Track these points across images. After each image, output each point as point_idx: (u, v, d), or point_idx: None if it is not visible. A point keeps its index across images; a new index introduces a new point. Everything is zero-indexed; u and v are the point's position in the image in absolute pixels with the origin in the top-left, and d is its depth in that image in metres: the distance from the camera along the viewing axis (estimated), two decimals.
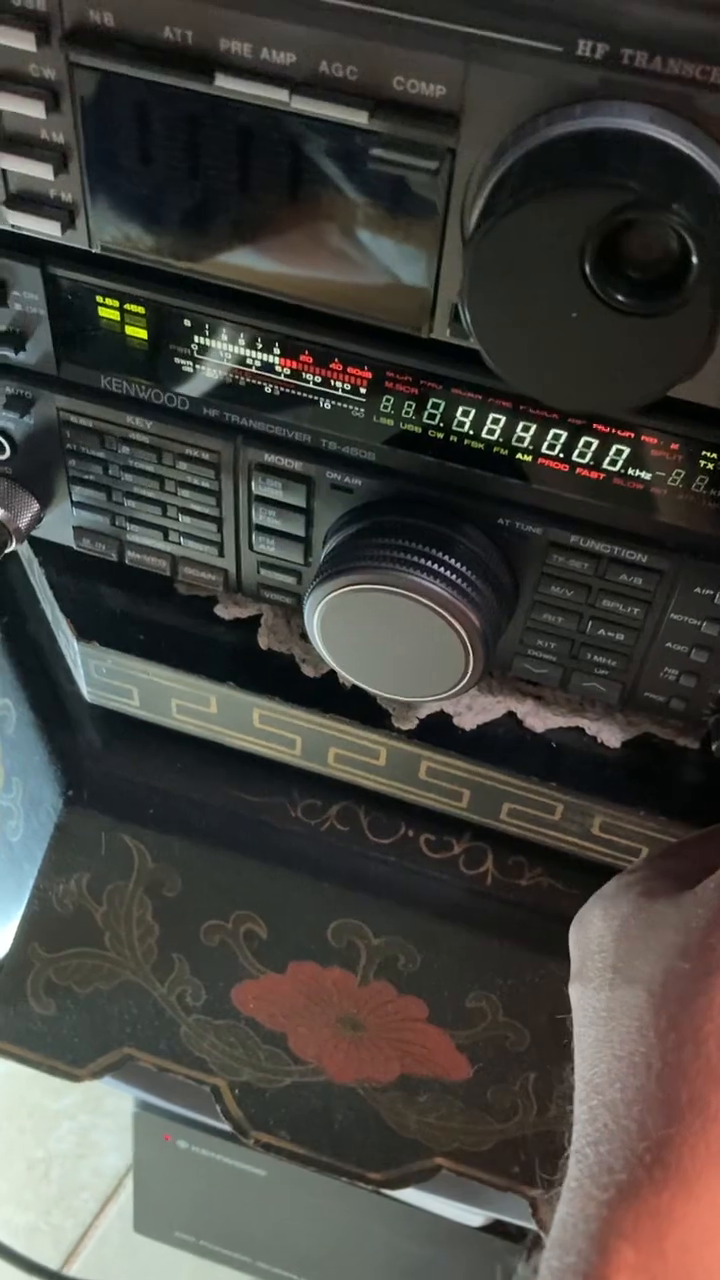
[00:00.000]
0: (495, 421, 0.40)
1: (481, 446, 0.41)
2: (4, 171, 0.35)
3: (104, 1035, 0.64)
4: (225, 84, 0.30)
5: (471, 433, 0.41)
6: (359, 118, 0.30)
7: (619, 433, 0.39)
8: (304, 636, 0.53)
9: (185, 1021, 0.62)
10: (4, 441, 0.47)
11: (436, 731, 0.52)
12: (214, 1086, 0.63)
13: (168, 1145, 0.84)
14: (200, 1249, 0.89)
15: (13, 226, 0.37)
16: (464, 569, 0.42)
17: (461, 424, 0.41)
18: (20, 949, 0.63)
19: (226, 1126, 0.63)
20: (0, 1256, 0.94)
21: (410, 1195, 0.71)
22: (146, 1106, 0.83)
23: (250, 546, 0.47)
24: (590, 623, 0.44)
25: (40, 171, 0.34)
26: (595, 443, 0.40)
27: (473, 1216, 0.81)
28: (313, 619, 0.44)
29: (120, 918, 0.62)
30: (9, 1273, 0.96)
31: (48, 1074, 0.66)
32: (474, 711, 0.51)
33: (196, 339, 0.42)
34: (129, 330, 0.42)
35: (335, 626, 0.44)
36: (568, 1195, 0.29)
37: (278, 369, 0.42)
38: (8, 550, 0.48)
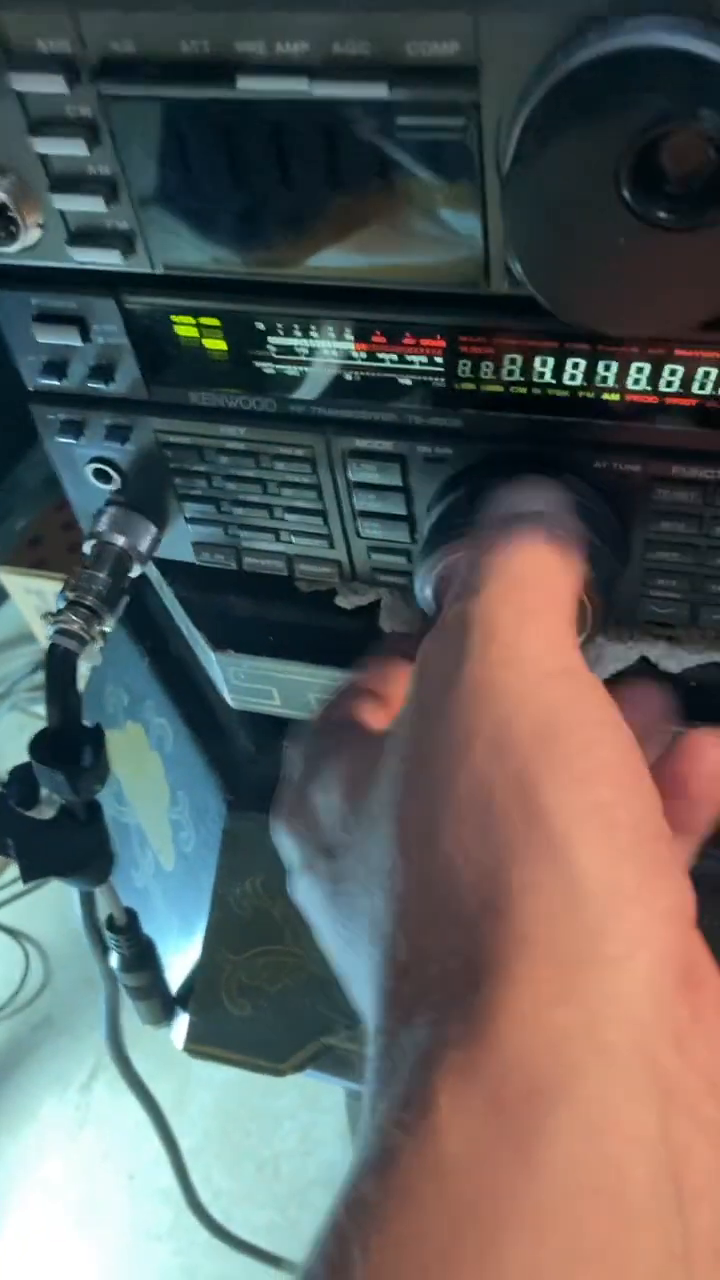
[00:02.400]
0: (575, 366, 0.40)
1: (566, 394, 0.41)
2: (62, 214, 0.37)
3: (300, 1029, 0.66)
4: (247, 85, 0.31)
5: (554, 381, 0.41)
6: (379, 91, 0.30)
7: (703, 354, 0.38)
8: (424, 614, 0.54)
9: None
10: (112, 471, 0.49)
11: None
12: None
13: None
14: None
15: (78, 263, 0.39)
16: (571, 522, 0.42)
17: (541, 374, 0.41)
18: (210, 956, 0.65)
19: None
20: (247, 1253, 0.98)
21: None
22: (356, 1096, 0.84)
23: (357, 534, 0.48)
24: (708, 552, 0.44)
25: (93, 206, 0.36)
26: (681, 369, 0.39)
27: None
28: (424, 593, 0.44)
29: (297, 912, 0.64)
30: (254, 1268, 0.99)
31: (253, 1072, 0.68)
32: (605, 661, 0.50)
33: (271, 340, 0.43)
34: (208, 343, 0.43)
35: None
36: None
37: (353, 354, 0.42)
38: (133, 574, 0.50)
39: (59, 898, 1.64)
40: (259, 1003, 0.66)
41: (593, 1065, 0.23)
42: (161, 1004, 0.67)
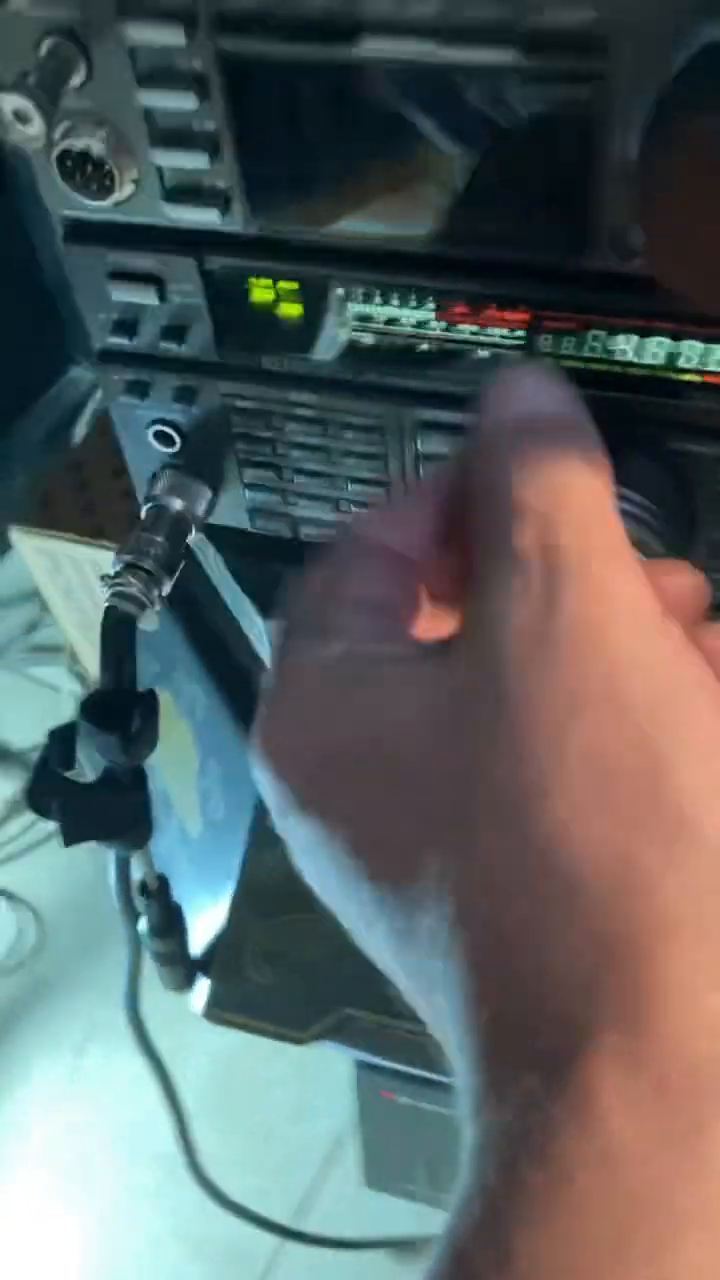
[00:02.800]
0: (659, 345, 0.40)
1: (644, 373, 0.41)
2: (159, 169, 0.37)
3: (322, 997, 0.66)
4: (371, 46, 0.31)
5: (634, 360, 0.41)
6: (508, 57, 0.30)
7: None
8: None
9: None
10: (174, 434, 0.49)
11: None
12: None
13: (390, 1103, 0.86)
14: (432, 1199, 0.91)
15: (170, 221, 0.38)
16: (637, 498, 0.42)
17: (623, 352, 0.41)
18: (235, 922, 0.65)
19: (448, 1079, 0.65)
20: (238, 1215, 0.98)
21: None
22: (365, 1066, 0.85)
23: None
24: None
25: (195, 162, 0.35)
26: None
27: None
28: None
29: None
30: (246, 1231, 1.00)
31: (273, 1039, 0.69)
32: None
33: (350, 307, 0.42)
34: (284, 308, 0.43)
35: None
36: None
37: (432, 325, 0.42)
38: (190, 538, 0.50)
39: (56, 860, 1.64)
40: (282, 970, 0.67)
41: None
42: (185, 970, 0.67)
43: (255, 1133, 1.28)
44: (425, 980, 0.24)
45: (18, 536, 1.10)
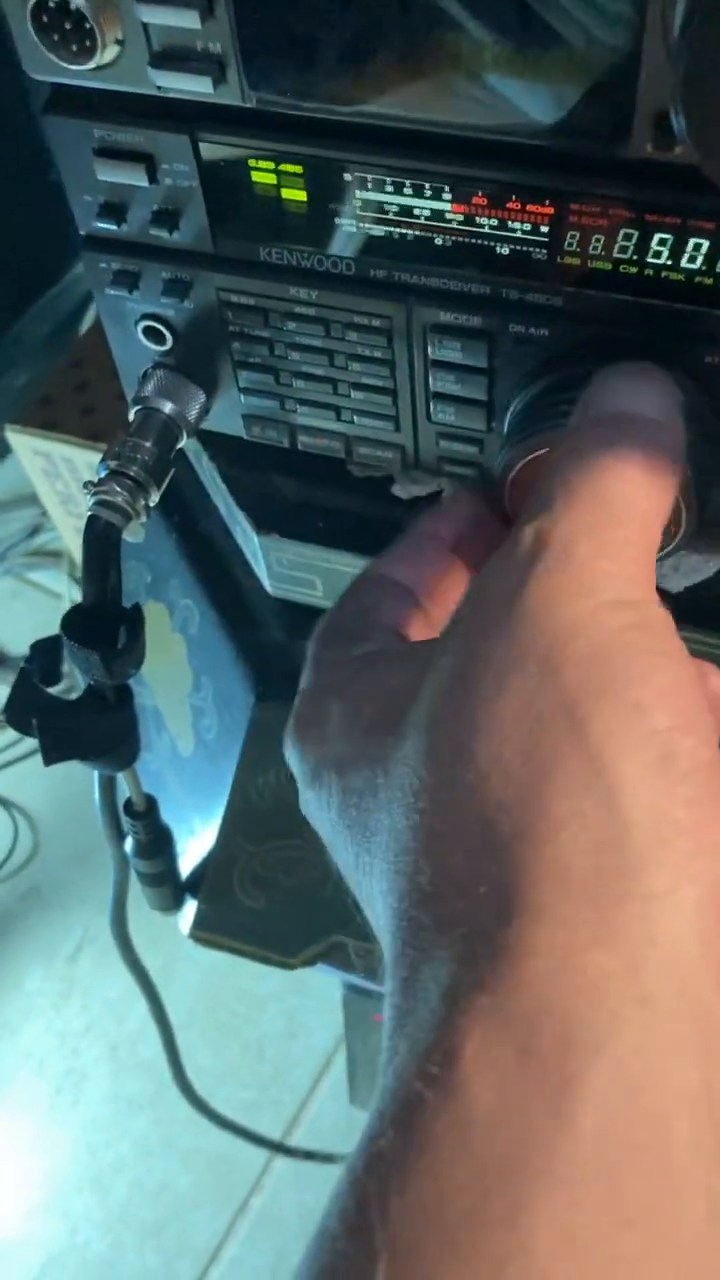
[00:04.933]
0: (697, 248, 0.36)
1: (681, 278, 0.37)
2: (146, 28, 0.33)
3: (313, 924, 0.65)
4: None
5: (670, 263, 0.37)
6: None
7: None
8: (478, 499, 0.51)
9: None
10: (165, 331, 0.45)
11: None
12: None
13: (378, 1026, 0.85)
14: None
15: (159, 90, 0.34)
16: None
17: (658, 254, 0.37)
18: (225, 845, 0.63)
19: None
20: (229, 1130, 0.99)
21: None
22: (354, 990, 0.84)
23: (428, 417, 0.45)
24: None
25: (185, 20, 0.31)
26: None
27: None
28: (505, 488, 0.41)
29: None
30: (236, 1144, 1.01)
31: (261, 964, 0.67)
32: (681, 573, 0.47)
33: (359, 194, 0.38)
34: (286, 193, 0.39)
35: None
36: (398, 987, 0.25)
37: (449, 216, 0.38)
38: (180, 445, 0.47)
39: (52, 768, 1.61)
40: (273, 895, 0.65)
41: (633, 1014, 0.21)
42: (172, 891, 0.65)
43: (249, 1048, 1.29)
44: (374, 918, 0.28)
45: (13, 436, 1.07)
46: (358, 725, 0.30)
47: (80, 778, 0.55)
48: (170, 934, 0.75)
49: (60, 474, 1.08)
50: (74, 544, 1.28)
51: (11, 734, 1.47)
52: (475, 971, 0.22)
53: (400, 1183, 0.20)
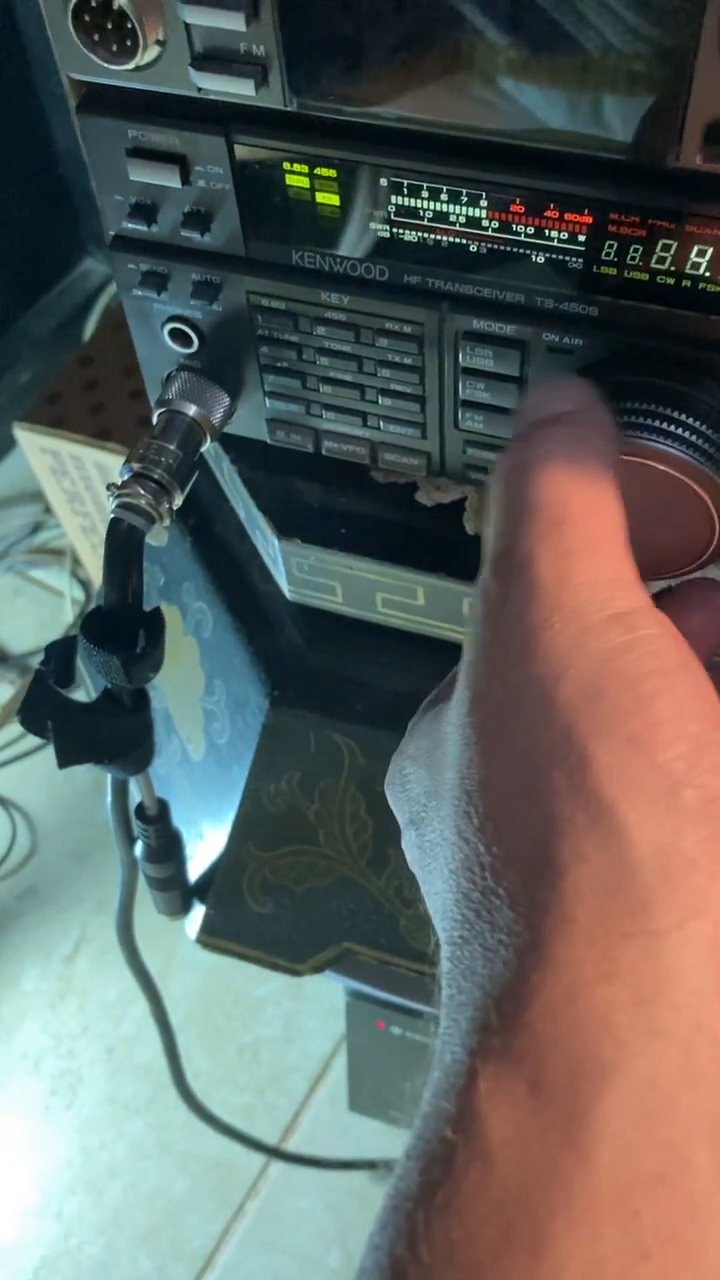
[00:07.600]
0: None
1: (717, 290, 0.37)
2: (189, 29, 0.32)
3: (323, 931, 0.64)
4: None
5: (708, 274, 0.37)
6: None
7: None
8: None
9: (404, 915, 0.62)
10: (191, 333, 0.45)
11: None
12: (436, 976, 0.62)
13: (381, 1033, 0.85)
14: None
15: (200, 91, 0.34)
16: (704, 428, 0.38)
17: (696, 265, 0.37)
18: (235, 849, 0.63)
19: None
20: (224, 1134, 0.98)
21: None
22: (358, 996, 0.84)
23: (456, 425, 0.44)
24: None
25: (230, 23, 0.31)
26: None
27: None
28: None
29: (333, 815, 0.61)
30: (232, 1149, 1.00)
31: (269, 970, 0.67)
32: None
33: (394, 199, 0.38)
34: (320, 197, 0.39)
35: None
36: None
37: (485, 223, 0.38)
38: (204, 448, 0.46)
39: (52, 767, 1.61)
40: (282, 901, 0.64)
41: (643, 1047, 0.22)
42: (181, 896, 0.65)
43: (245, 1051, 1.28)
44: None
45: (21, 433, 1.06)
46: (421, 784, 0.32)
47: (81, 777, 0.54)
48: (167, 936, 0.74)
49: (68, 472, 1.08)
50: (79, 542, 1.28)
51: (9, 732, 1.46)
52: (486, 1013, 0.23)
53: (428, 1226, 0.21)
